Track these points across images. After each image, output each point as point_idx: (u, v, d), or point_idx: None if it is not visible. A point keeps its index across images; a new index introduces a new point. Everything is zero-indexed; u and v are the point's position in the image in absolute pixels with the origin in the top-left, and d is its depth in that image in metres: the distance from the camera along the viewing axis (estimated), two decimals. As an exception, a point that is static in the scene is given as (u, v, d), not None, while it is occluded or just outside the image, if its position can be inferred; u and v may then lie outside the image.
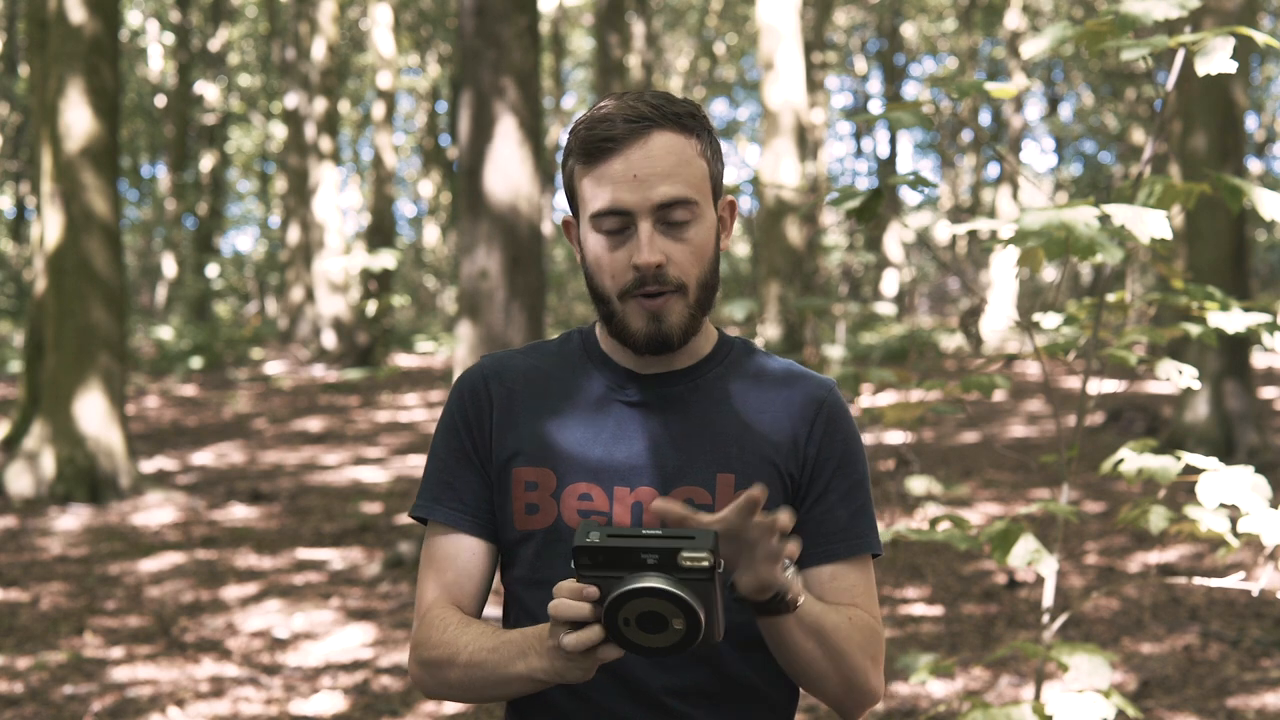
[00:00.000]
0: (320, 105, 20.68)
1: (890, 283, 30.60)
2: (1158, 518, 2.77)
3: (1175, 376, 2.88)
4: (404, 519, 8.19)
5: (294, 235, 22.50)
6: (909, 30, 33.34)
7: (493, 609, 2.24)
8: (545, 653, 1.37)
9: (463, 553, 1.58)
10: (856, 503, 1.59)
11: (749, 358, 1.63)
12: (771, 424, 1.57)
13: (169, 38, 31.44)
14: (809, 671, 1.50)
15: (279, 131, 30.28)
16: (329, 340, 21.00)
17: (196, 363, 20.00)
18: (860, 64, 35.81)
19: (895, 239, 29.34)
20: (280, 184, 30.41)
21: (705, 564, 1.28)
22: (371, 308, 19.07)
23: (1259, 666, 5.01)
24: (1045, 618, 2.92)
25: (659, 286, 1.48)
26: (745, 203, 33.26)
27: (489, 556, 1.59)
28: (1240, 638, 5.33)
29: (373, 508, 8.86)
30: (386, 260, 17.42)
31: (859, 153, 40.56)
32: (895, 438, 10.31)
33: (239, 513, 8.81)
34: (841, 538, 1.57)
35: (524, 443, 1.57)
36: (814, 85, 25.20)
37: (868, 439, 9.57)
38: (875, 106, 39.21)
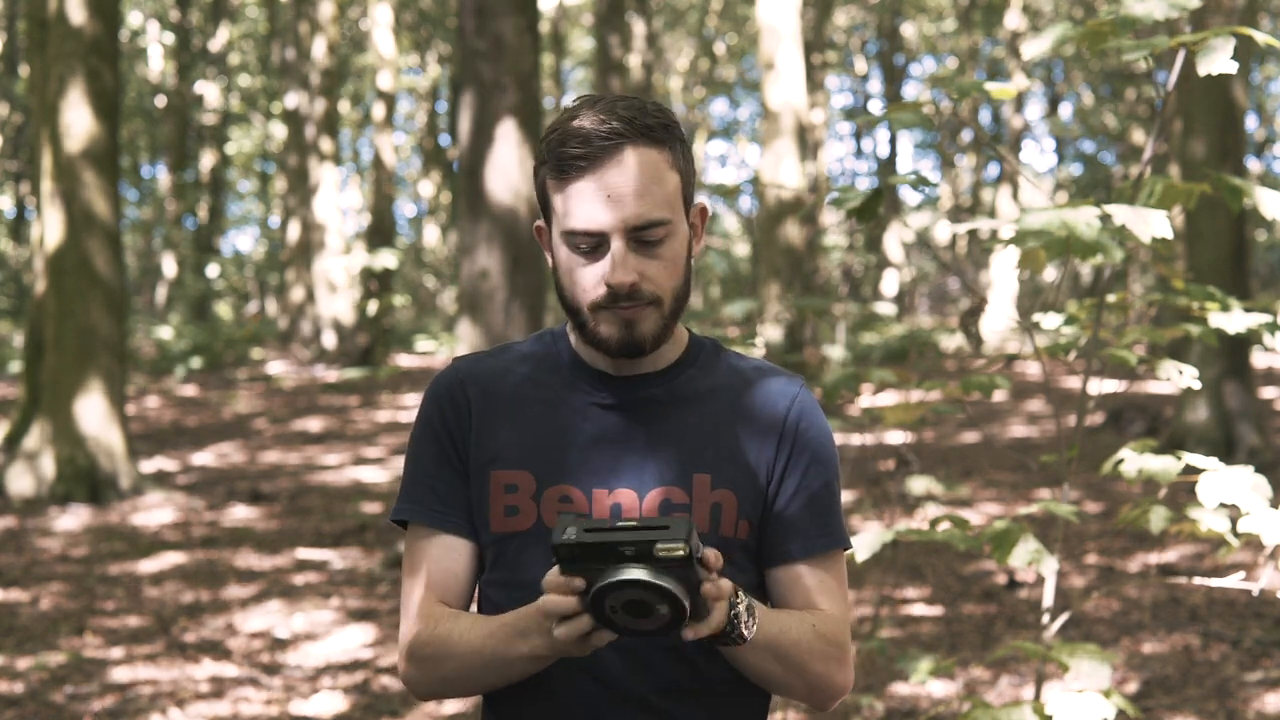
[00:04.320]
0: (320, 105, 20.67)
1: (890, 283, 30.60)
2: (1158, 518, 2.76)
3: (1176, 377, 2.87)
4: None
5: (294, 235, 22.50)
6: (909, 30, 33.33)
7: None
8: (546, 633, 1.39)
9: (448, 553, 1.58)
10: (828, 499, 1.61)
11: (720, 359, 1.64)
12: (743, 424, 1.58)
13: (169, 38, 31.43)
14: (769, 683, 1.53)
15: (279, 131, 30.27)
16: (329, 340, 21.00)
17: (196, 363, 19.99)
18: (860, 64, 35.81)
19: (895, 239, 29.33)
20: (280, 184, 30.40)
21: (680, 554, 1.31)
22: (372, 308, 19.06)
23: (1259, 666, 5.01)
24: (1045, 618, 2.92)
25: (632, 303, 1.49)
26: (745, 203, 33.25)
27: (473, 556, 1.60)
28: (1240, 638, 5.33)
29: (373, 508, 8.86)
30: (387, 260, 17.42)
31: (859, 153, 40.55)
32: (895, 438, 10.31)
33: (239, 513, 8.81)
34: (816, 535, 1.59)
35: (502, 446, 1.57)
36: (814, 85, 25.19)
37: (868, 439, 9.57)
38: (875, 106, 39.19)
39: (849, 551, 1.65)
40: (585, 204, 1.47)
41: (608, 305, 1.49)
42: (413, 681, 1.57)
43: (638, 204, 1.46)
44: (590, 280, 1.49)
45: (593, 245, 1.48)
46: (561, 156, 1.48)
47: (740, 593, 1.42)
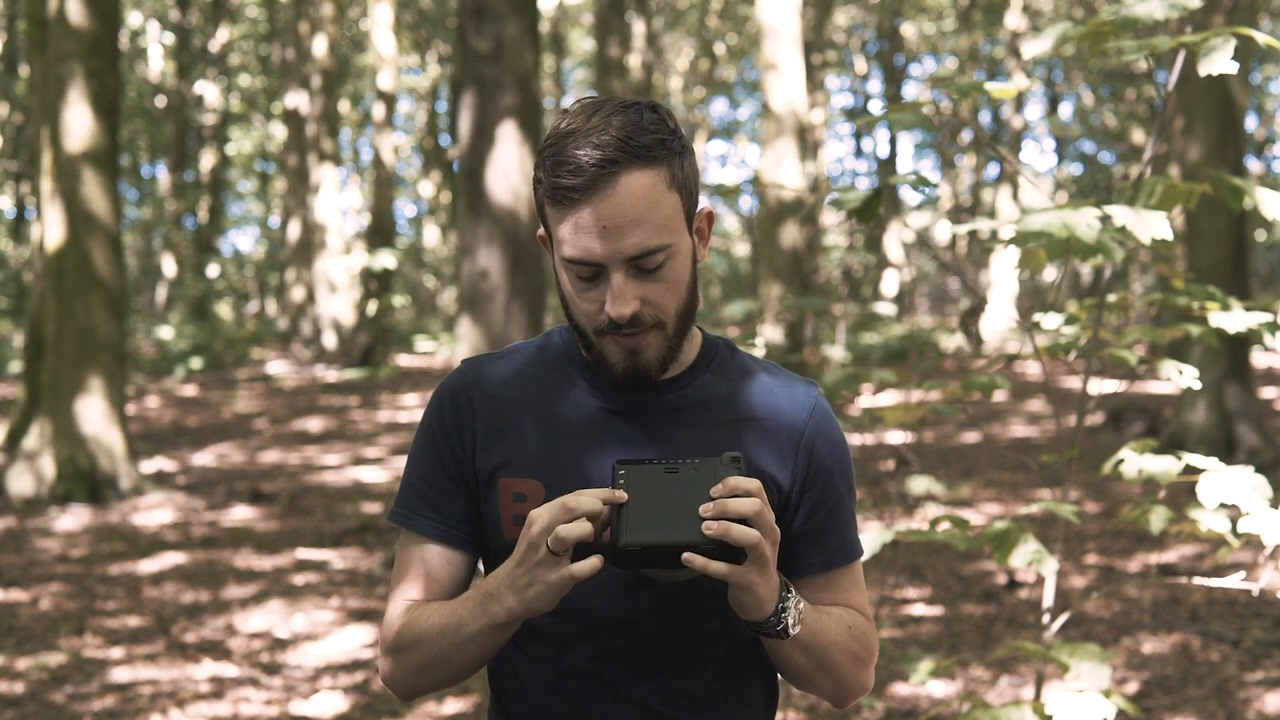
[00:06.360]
0: (320, 105, 20.68)
1: (890, 283, 30.61)
2: (1158, 518, 2.76)
3: (1176, 376, 2.87)
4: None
5: (294, 235, 22.52)
6: (909, 30, 33.35)
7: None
8: (518, 589, 1.38)
9: (434, 561, 1.57)
10: (847, 510, 1.60)
11: (733, 363, 1.62)
12: (758, 432, 1.56)
13: (169, 38, 31.45)
14: (795, 676, 1.54)
15: (279, 131, 30.29)
16: (329, 340, 21.03)
17: (196, 363, 20.01)
18: (860, 64, 35.82)
19: (895, 239, 29.35)
20: (280, 184, 30.41)
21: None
22: (372, 308, 19.08)
23: (1259, 666, 5.01)
24: (1045, 618, 2.92)
25: (634, 329, 1.47)
26: (745, 202, 33.24)
27: (462, 566, 1.58)
28: (1240, 638, 5.33)
29: (373, 508, 8.86)
30: (386, 260, 17.43)
31: (859, 153, 40.57)
32: (895, 438, 10.31)
33: (239, 513, 8.81)
34: (835, 546, 1.58)
35: (511, 453, 1.54)
36: (814, 85, 25.19)
37: (868, 439, 9.57)
38: (875, 106, 39.20)
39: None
40: (582, 235, 1.43)
41: (609, 331, 1.47)
42: (389, 677, 1.56)
43: (635, 234, 1.43)
44: (592, 306, 1.47)
45: (591, 274, 1.46)
46: (555, 186, 1.44)
47: (792, 589, 1.44)
